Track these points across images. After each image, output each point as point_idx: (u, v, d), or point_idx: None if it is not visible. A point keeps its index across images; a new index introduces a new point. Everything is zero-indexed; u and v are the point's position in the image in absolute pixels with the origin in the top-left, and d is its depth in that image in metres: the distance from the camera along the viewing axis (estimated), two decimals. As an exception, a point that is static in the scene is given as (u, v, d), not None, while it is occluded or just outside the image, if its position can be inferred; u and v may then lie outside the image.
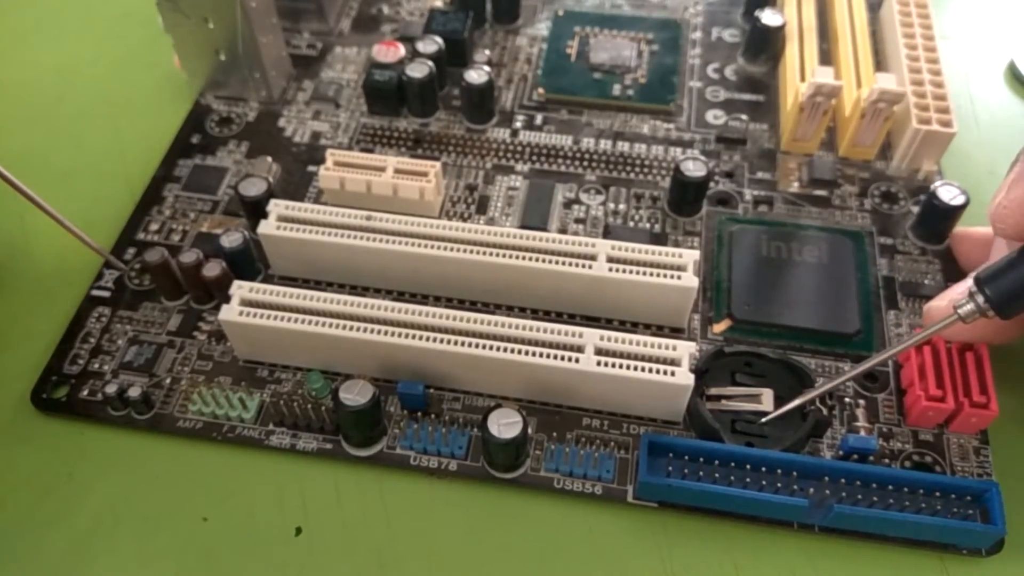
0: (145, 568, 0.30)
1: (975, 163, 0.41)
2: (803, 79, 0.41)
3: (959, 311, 0.29)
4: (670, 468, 0.30)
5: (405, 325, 0.32)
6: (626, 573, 0.30)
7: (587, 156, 0.41)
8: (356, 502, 0.32)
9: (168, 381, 0.34)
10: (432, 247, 0.34)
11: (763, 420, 0.32)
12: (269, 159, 0.41)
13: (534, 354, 0.31)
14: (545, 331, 0.31)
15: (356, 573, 0.30)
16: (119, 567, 0.30)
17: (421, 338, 0.32)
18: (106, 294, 0.37)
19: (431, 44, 0.43)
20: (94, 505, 0.32)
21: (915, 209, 0.38)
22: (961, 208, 0.36)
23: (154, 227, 0.39)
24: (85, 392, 0.34)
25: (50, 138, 0.44)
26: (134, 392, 0.32)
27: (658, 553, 0.30)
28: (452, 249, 0.34)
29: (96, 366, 0.34)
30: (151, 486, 0.32)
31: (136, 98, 0.45)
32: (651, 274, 0.33)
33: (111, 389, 0.33)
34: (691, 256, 0.33)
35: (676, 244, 0.38)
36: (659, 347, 0.31)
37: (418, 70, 0.41)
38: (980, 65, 0.46)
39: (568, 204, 0.39)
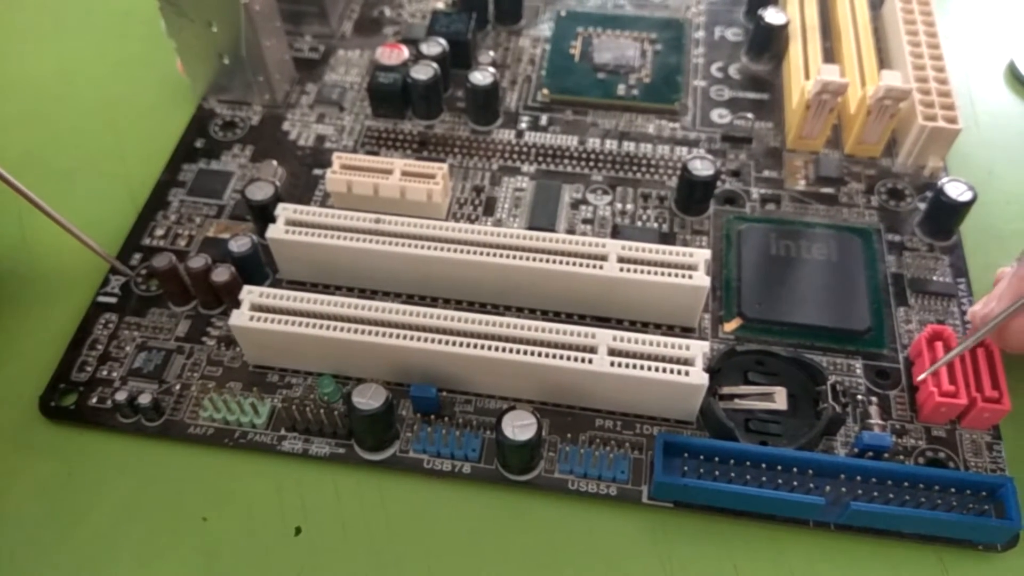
0: (145, 568, 0.30)
1: (975, 163, 0.41)
2: (807, 77, 0.41)
3: None
4: (685, 468, 0.30)
5: (416, 328, 0.32)
6: (637, 574, 0.30)
7: (593, 156, 0.41)
8: (361, 504, 0.31)
9: (178, 387, 0.34)
10: (441, 249, 0.34)
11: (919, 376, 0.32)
12: (274, 163, 0.41)
13: (547, 356, 0.31)
14: (557, 332, 0.31)
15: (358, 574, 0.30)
16: (122, 570, 0.30)
17: (433, 341, 0.31)
18: (113, 300, 0.36)
19: (435, 46, 0.42)
20: (102, 512, 0.31)
21: (922, 206, 0.39)
22: (968, 204, 0.36)
23: (159, 232, 0.39)
24: (94, 399, 0.33)
25: (50, 141, 0.43)
26: (144, 399, 0.32)
27: (657, 553, 0.30)
28: (462, 251, 0.34)
29: (105, 373, 0.34)
30: (157, 490, 0.32)
31: (137, 101, 0.45)
32: (662, 274, 0.33)
33: (121, 396, 0.32)
34: (702, 255, 0.33)
35: (684, 243, 0.38)
36: (672, 347, 0.31)
37: (423, 72, 0.41)
38: (980, 65, 0.46)
39: (575, 205, 0.39)
